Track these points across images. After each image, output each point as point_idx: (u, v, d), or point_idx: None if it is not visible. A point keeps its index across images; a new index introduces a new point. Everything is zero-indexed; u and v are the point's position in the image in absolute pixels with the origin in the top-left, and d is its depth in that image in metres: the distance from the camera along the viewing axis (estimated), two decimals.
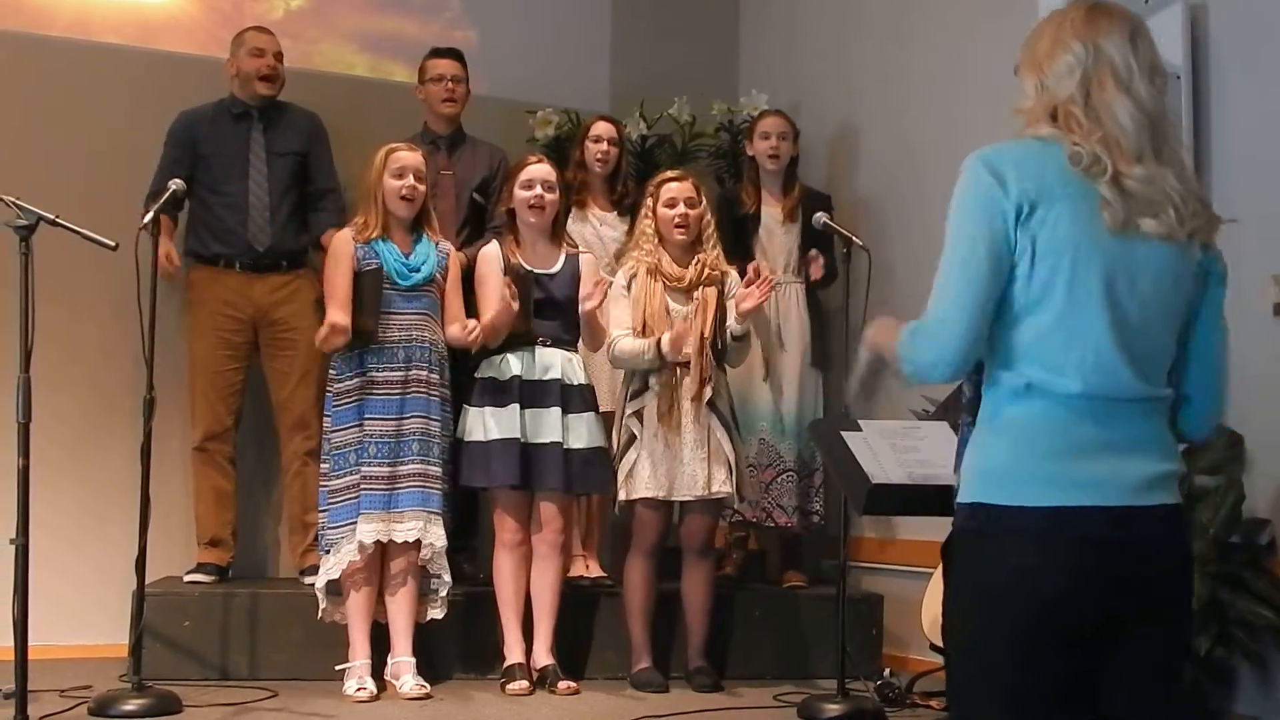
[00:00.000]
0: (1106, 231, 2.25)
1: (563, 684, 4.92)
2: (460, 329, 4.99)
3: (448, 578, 4.94)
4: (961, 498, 2.34)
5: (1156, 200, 2.26)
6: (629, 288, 5.15)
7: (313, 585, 4.97)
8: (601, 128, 5.81)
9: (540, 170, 5.17)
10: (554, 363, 5.06)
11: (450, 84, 5.83)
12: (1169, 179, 2.28)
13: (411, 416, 4.91)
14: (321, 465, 5.03)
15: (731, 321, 5.08)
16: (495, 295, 5.04)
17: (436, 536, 4.87)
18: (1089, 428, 2.25)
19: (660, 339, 5.00)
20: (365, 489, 4.83)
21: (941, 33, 5.76)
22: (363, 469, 4.85)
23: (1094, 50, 2.32)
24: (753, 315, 5.09)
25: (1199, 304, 2.40)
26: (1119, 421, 2.27)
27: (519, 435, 4.95)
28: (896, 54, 6.15)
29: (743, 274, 5.24)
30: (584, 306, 5.02)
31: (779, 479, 5.74)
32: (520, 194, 5.15)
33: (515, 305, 4.90)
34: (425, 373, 4.95)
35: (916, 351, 2.36)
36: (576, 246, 5.33)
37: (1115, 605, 2.25)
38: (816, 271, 5.70)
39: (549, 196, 5.15)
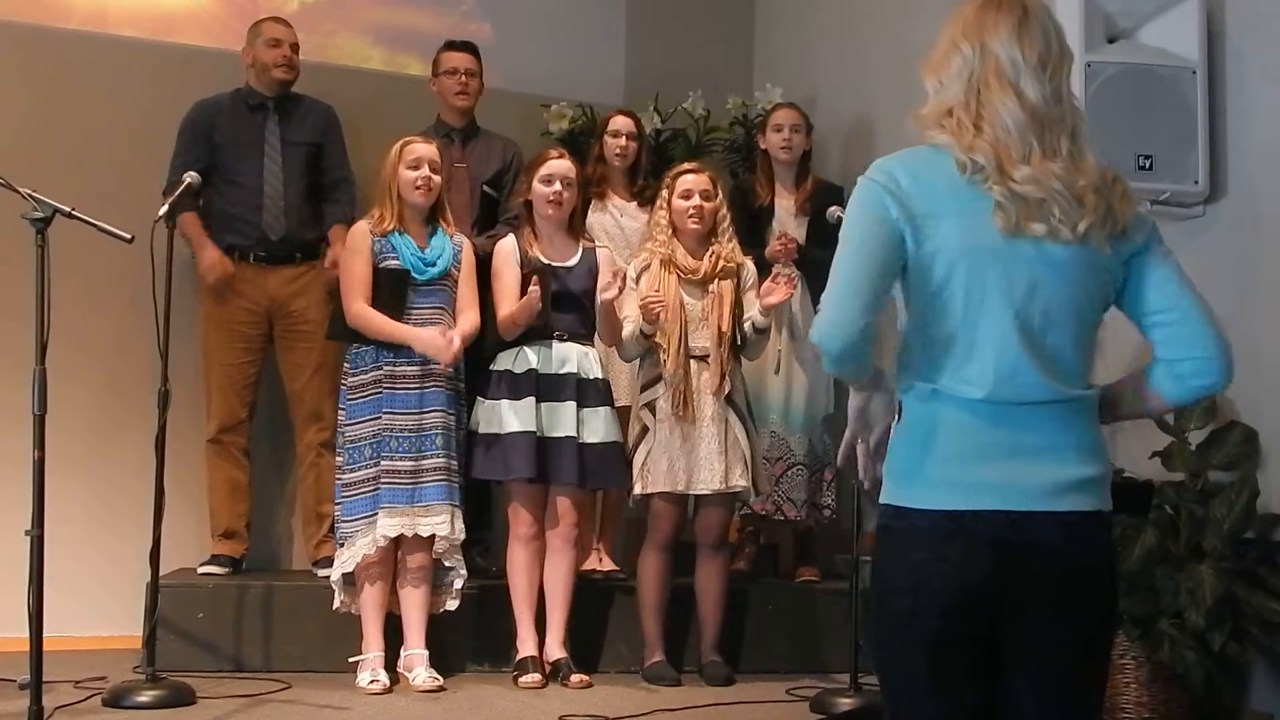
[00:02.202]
0: (1000, 237, 2.24)
1: (575, 677, 4.93)
2: (446, 332, 4.92)
3: (463, 570, 4.96)
4: (879, 498, 2.37)
5: (1044, 200, 2.23)
6: (638, 280, 5.16)
7: (327, 577, 4.99)
8: (620, 122, 5.81)
9: (561, 166, 5.17)
10: (570, 356, 5.07)
11: (464, 77, 5.83)
12: (1054, 178, 2.24)
13: (432, 410, 4.92)
14: (336, 458, 5.05)
15: (756, 315, 5.08)
16: (511, 288, 5.05)
17: (458, 530, 4.89)
18: (995, 432, 2.25)
19: (642, 328, 5.02)
20: (386, 483, 4.85)
21: None
22: (383, 463, 4.86)
23: (980, 50, 2.31)
24: (776, 309, 5.09)
25: (1138, 276, 2.32)
26: (1029, 425, 2.25)
27: (534, 429, 4.95)
28: (909, 49, 6.13)
29: (759, 263, 5.25)
30: (602, 297, 5.01)
31: (789, 472, 5.73)
32: (539, 188, 5.15)
33: (538, 305, 4.91)
34: (442, 366, 4.96)
35: (816, 339, 2.35)
36: (593, 241, 5.33)
37: (1011, 606, 2.25)
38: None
39: (567, 193, 5.15)
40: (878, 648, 2.40)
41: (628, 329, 5.07)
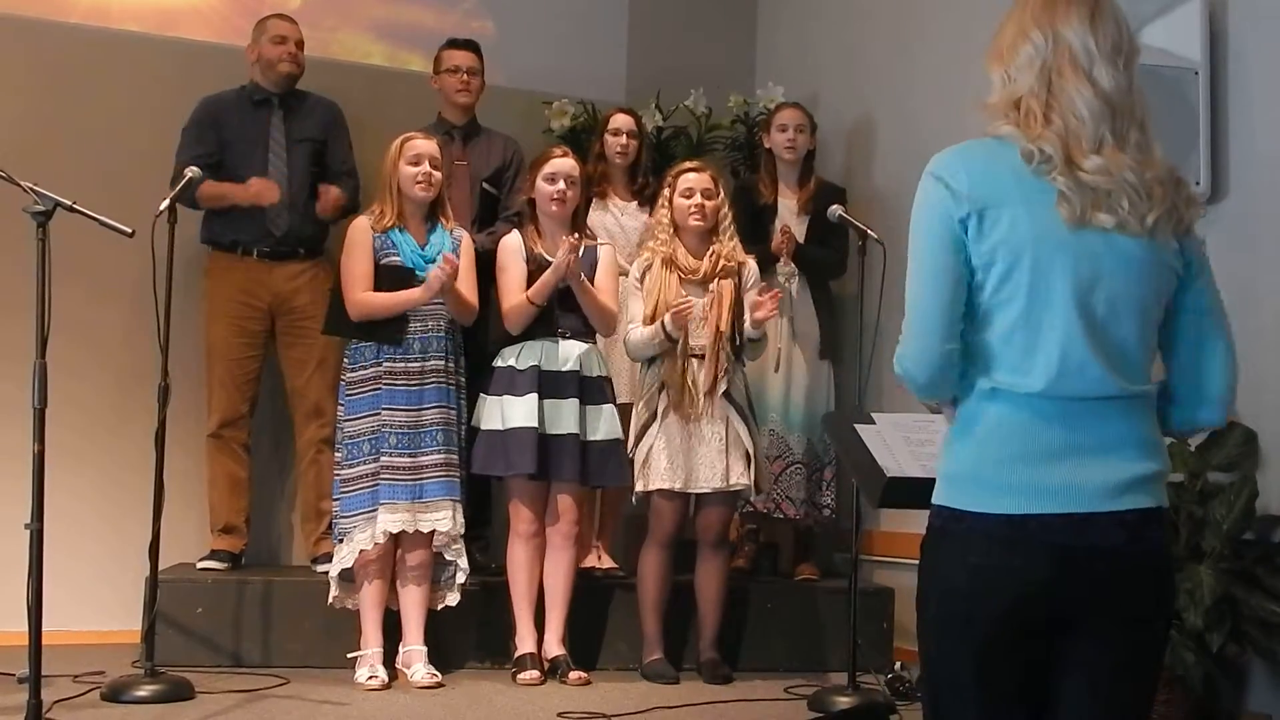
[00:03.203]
0: (1066, 228, 2.21)
1: (574, 674, 4.94)
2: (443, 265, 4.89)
3: (464, 564, 4.96)
4: (933, 499, 2.34)
5: (1111, 191, 2.21)
6: (642, 279, 5.16)
7: (326, 573, 4.99)
8: (620, 120, 5.82)
9: (565, 165, 5.17)
10: (573, 354, 5.07)
11: (465, 75, 5.83)
12: (1125, 169, 2.22)
13: (431, 406, 4.93)
14: (335, 454, 5.05)
15: (747, 327, 5.08)
16: (517, 282, 5.06)
17: (459, 524, 4.91)
18: (1055, 430, 2.22)
19: (663, 319, 5.01)
20: (386, 479, 4.85)
21: (955, 24, 5.75)
22: (382, 459, 4.87)
23: (1053, 38, 2.27)
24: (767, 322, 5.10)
25: (1179, 296, 2.33)
26: (1088, 422, 2.22)
27: (536, 425, 4.96)
28: (911, 47, 6.15)
29: (761, 261, 5.25)
30: (556, 259, 4.96)
31: (787, 471, 5.75)
32: (543, 186, 5.15)
33: (578, 252, 4.93)
34: (441, 362, 4.97)
35: (904, 369, 2.36)
36: (595, 238, 5.33)
37: (1069, 607, 2.23)
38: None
39: (571, 192, 5.16)
40: (926, 652, 2.35)
41: (644, 331, 5.07)
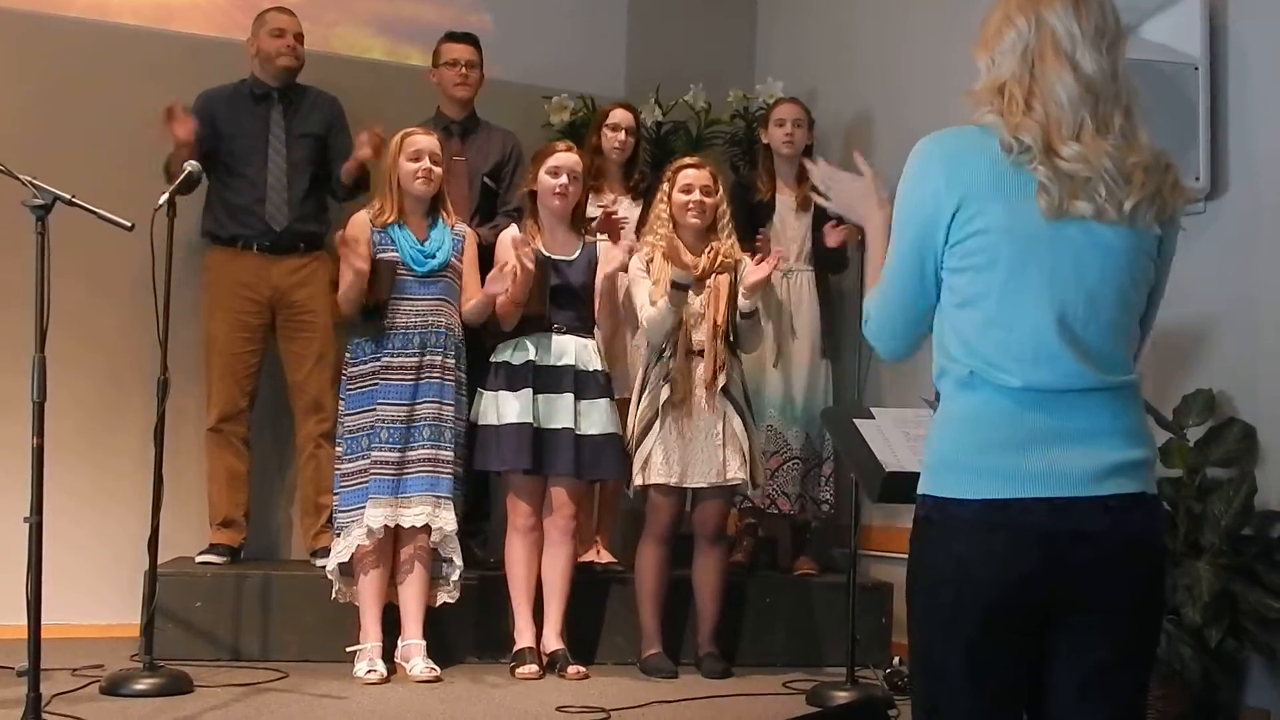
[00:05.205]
0: (1044, 221, 2.21)
1: (572, 668, 4.94)
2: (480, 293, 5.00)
3: (459, 561, 4.96)
4: (918, 489, 2.34)
5: (1090, 178, 2.21)
6: (647, 270, 5.15)
7: (325, 567, 4.99)
8: (619, 115, 5.81)
9: (569, 159, 5.18)
10: (568, 349, 5.07)
11: (464, 69, 5.83)
12: (1104, 155, 2.21)
13: (424, 401, 4.93)
14: (336, 449, 5.06)
15: (741, 301, 5.06)
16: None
17: (446, 521, 4.89)
18: (1036, 416, 2.21)
19: (673, 278, 4.99)
20: (375, 474, 4.86)
21: (952, 21, 5.74)
22: (373, 454, 4.87)
23: (1036, 23, 2.27)
24: (759, 290, 5.06)
25: (1156, 279, 2.34)
26: (1070, 411, 2.22)
27: (532, 420, 4.96)
28: (908, 44, 6.14)
29: (753, 249, 5.25)
30: (605, 270, 5.00)
31: (784, 466, 5.74)
32: (546, 180, 5.15)
33: (531, 265, 4.92)
34: (440, 358, 4.97)
35: (869, 332, 2.43)
36: (594, 235, 5.33)
37: (1056, 595, 2.21)
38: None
39: (573, 187, 5.16)
40: (916, 642, 2.34)
41: (659, 305, 5.03)
